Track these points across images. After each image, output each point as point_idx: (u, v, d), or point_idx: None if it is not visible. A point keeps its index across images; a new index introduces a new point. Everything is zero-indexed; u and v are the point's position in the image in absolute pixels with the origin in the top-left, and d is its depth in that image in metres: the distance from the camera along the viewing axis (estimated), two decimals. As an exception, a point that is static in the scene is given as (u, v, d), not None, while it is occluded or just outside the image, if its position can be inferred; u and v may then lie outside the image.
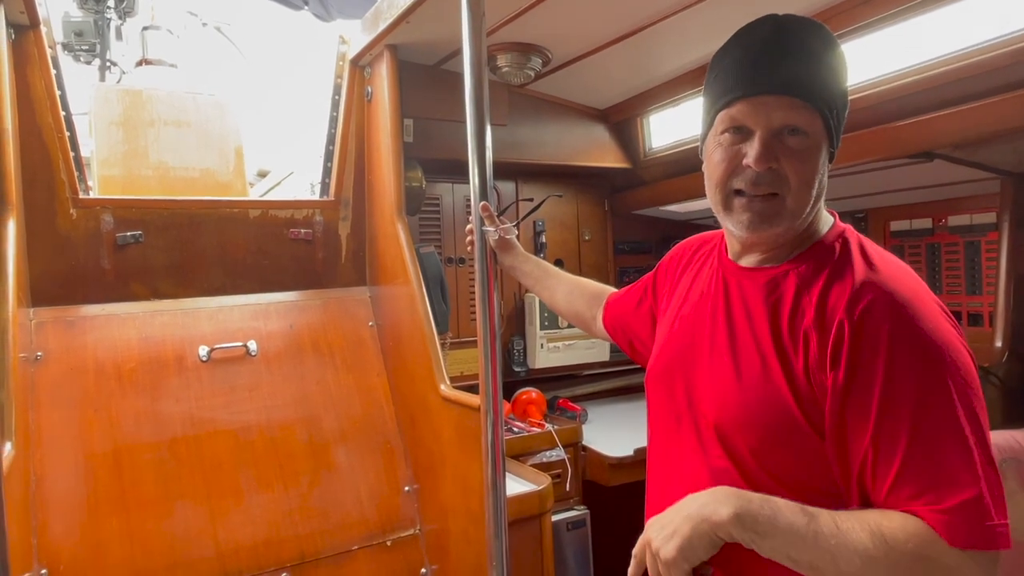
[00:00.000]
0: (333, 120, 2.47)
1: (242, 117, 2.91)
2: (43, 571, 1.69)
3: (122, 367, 2.03)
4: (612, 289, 1.52)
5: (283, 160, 4.70)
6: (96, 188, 2.54)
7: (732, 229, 1.00)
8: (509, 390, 2.67)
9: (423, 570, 2.11)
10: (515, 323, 2.91)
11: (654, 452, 1.12)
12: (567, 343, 2.86)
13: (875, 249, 0.94)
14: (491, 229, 1.40)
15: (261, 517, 1.98)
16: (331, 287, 2.48)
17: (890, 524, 0.78)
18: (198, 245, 2.28)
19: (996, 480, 0.78)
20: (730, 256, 1.05)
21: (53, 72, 2.03)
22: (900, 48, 1.80)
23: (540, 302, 2.77)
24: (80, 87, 2.73)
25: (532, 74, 2.31)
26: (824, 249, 0.95)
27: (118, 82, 4.11)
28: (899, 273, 0.88)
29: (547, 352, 2.83)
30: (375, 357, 2.37)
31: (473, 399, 1.81)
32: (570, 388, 3.01)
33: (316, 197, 2.59)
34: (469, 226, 1.48)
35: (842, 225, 0.99)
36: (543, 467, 2.25)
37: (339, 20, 3.05)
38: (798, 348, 0.89)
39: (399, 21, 1.97)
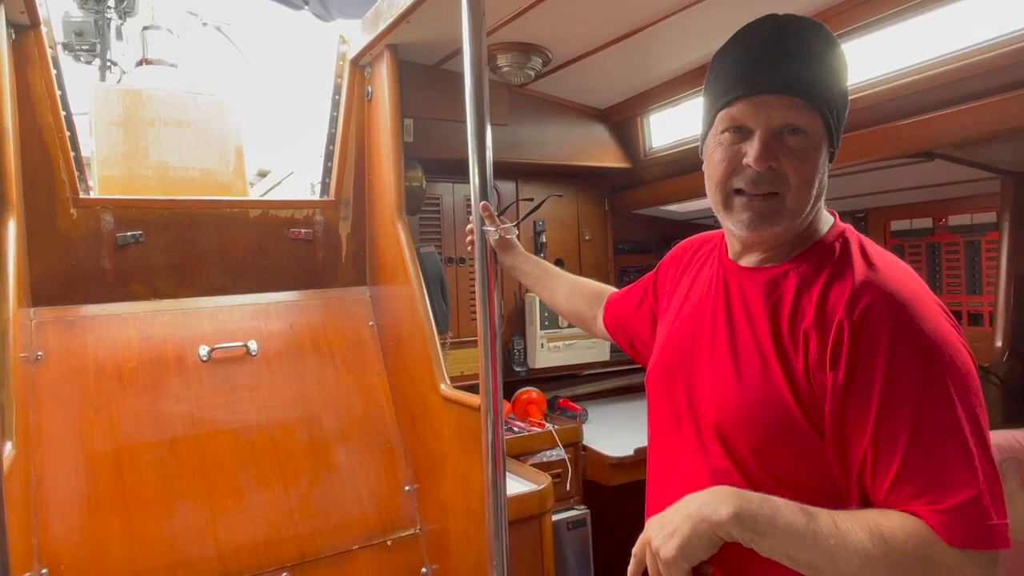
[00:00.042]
0: (333, 120, 2.48)
1: (242, 117, 2.91)
2: (44, 571, 1.69)
3: (122, 367, 2.03)
4: (612, 289, 1.52)
5: (283, 160, 4.70)
6: (96, 188, 2.54)
7: (732, 228, 1.00)
8: (509, 390, 2.67)
9: (423, 570, 2.11)
10: (515, 323, 2.91)
11: (654, 452, 1.12)
12: (567, 343, 2.86)
13: (875, 249, 0.94)
14: (491, 229, 1.40)
15: (261, 517, 1.98)
16: (331, 287, 2.48)
17: (889, 524, 0.78)
18: (198, 245, 2.28)
19: (996, 480, 0.78)
20: (730, 256, 1.05)
21: (53, 72, 2.03)
22: (900, 48, 1.80)
23: (540, 302, 2.77)
24: (80, 87, 2.73)
25: (532, 74, 2.31)
26: (824, 249, 0.95)
27: (118, 82, 4.10)
28: (899, 273, 0.88)
29: (547, 352, 2.83)
30: (375, 357, 2.37)
31: (473, 399, 1.81)
32: (570, 388, 3.01)
33: (316, 197, 2.60)
34: (469, 226, 1.48)
35: (842, 225, 0.99)
36: (543, 467, 2.25)
37: (339, 20, 3.06)
38: (798, 348, 0.89)
39: (399, 21, 1.97)
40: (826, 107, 0.91)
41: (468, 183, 1.34)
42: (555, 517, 2.19)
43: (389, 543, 2.10)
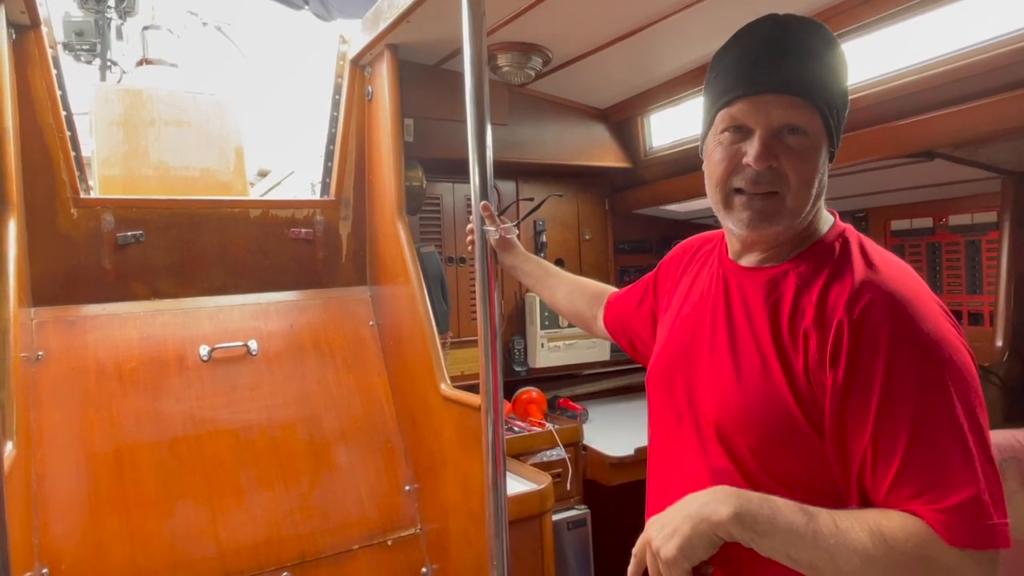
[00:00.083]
0: (333, 120, 2.48)
1: (242, 117, 2.91)
2: (44, 570, 1.69)
3: (123, 367, 2.03)
4: (613, 289, 1.52)
5: (283, 160, 4.71)
6: (97, 188, 2.54)
7: (732, 228, 1.00)
8: (510, 389, 2.67)
9: (424, 569, 2.11)
10: (516, 322, 2.91)
11: (654, 452, 1.12)
12: (568, 342, 2.86)
13: (875, 249, 0.94)
14: (492, 228, 1.40)
15: (262, 517, 1.98)
16: (332, 287, 2.48)
17: (889, 523, 0.78)
18: (199, 245, 2.28)
19: (996, 479, 0.78)
20: (730, 256, 1.06)
21: (54, 72, 2.03)
22: (900, 48, 1.80)
23: (540, 302, 2.77)
24: (81, 87, 2.73)
25: (532, 74, 2.31)
26: (824, 248, 0.95)
27: (119, 82, 4.11)
28: (899, 273, 0.88)
29: (548, 351, 2.83)
30: (376, 357, 2.37)
31: (474, 398, 1.81)
32: (571, 387, 3.01)
33: (316, 197, 2.60)
34: (470, 226, 1.48)
35: (842, 224, 0.99)
36: (544, 466, 2.25)
37: (339, 20, 3.05)
38: (798, 348, 0.89)
39: (399, 21, 1.97)
40: (826, 107, 0.91)
41: (468, 183, 1.34)
42: (555, 517, 2.19)
43: (389, 543, 2.10)
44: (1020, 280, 2.14)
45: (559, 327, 2.83)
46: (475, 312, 2.43)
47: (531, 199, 2.03)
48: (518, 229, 1.54)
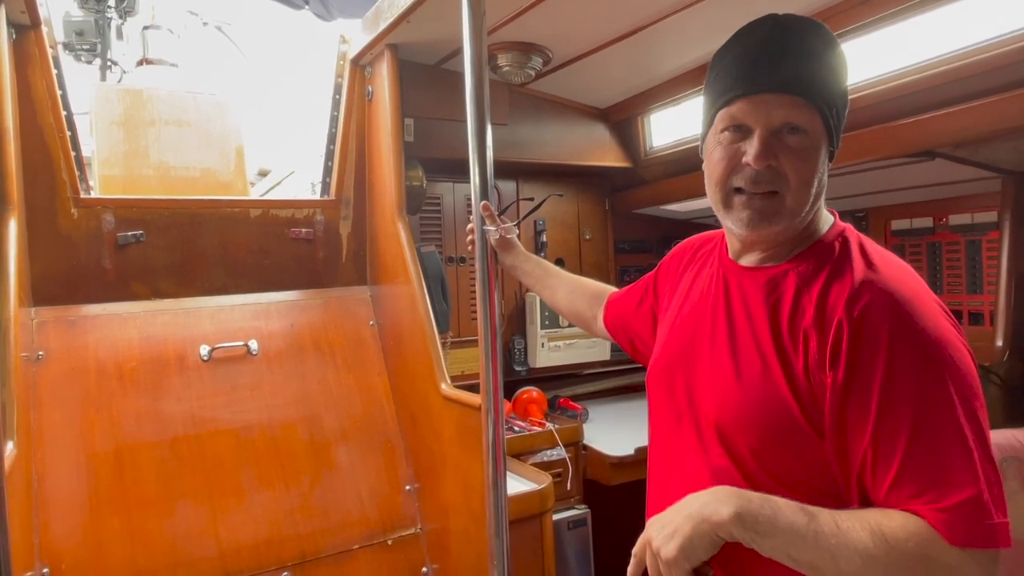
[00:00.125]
0: (334, 119, 2.48)
1: (243, 116, 2.92)
2: (45, 570, 1.69)
3: (123, 366, 2.03)
4: (613, 288, 1.52)
5: (284, 159, 4.71)
6: (97, 188, 2.54)
7: (732, 227, 1.00)
8: (510, 389, 2.67)
9: (424, 569, 2.11)
10: (516, 322, 2.91)
11: (655, 451, 1.12)
12: (568, 342, 2.86)
13: (875, 248, 0.94)
14: (492, 228, 1.40)
15: (262, 516, 1.98)
16: (332, 286, 2.48)
17: (890, 523, 0.78)
18: (199, 245, 2.28)
19: (996, 479, 0.78)
20: (730, 255, 1.06)
21: (54, 72, 2.03)
22: (900, 48, 1.80)
23: (541, 301, 2.77)
24: (81, 87, 2.74)
25: (533, 73, 2.31)
26: (824, 248, 0.95)
27: (119, 82, 4.11)
28: (899, 272, 0.88)
29: (548, 351, 2.84)
30: (376, 356, 2.37)
31: (474, 398, 1.81)
32: (571, 387, 3.01)
33: (317, 196, 2.60)
34: (470, 225, 1.48)
35: (842, 224, 0.99)
36: (544, 466, 2.25)
37: (340, 19, 3.05)
38: (798, 347, 0.89)
39: (399, 20, 1.97)
40: (826, 106, 0.91)
41: (468, 182, 1.34)
42: (556, 516, 2.19)
43: (390, 542, 2.10)
44: (1020, 280, 2.14)
45: (559, 327, 2.83)
46: (475, 312, 2.43)
47: (531, 199, 2.03)
48: (518, 229, 1.54)
